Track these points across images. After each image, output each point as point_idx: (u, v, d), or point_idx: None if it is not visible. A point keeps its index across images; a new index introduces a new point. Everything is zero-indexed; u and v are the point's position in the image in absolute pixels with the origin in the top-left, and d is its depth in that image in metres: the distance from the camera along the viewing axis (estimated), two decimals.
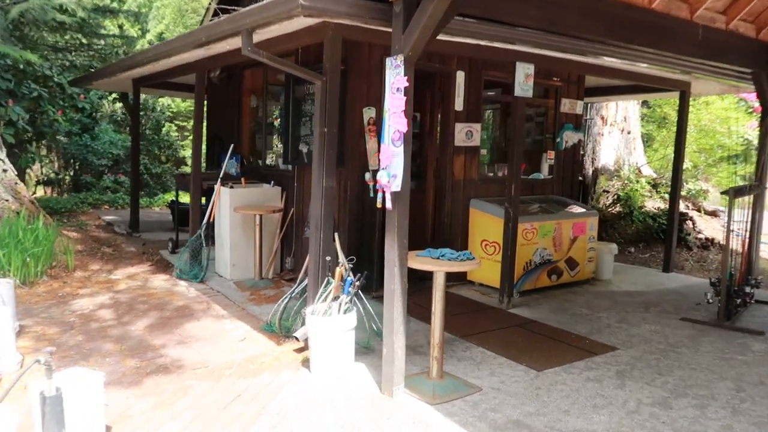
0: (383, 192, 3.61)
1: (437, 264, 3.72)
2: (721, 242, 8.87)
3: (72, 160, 14.91)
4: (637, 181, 9.79)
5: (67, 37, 13.94)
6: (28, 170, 15.14)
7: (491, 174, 7.27)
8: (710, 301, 5.59)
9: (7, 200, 7.48)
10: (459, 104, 6.54)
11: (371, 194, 5.82)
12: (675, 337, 5.10)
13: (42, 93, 10.19)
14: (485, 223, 6.44)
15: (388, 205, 3.59)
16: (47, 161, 16.05)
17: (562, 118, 7.60)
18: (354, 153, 5.83)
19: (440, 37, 4.69)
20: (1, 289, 4.42)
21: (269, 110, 7.62)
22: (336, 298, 4.01)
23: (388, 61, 3.59)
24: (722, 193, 5.62)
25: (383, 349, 3.74)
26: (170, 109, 18.53)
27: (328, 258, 4.19)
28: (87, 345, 4.61)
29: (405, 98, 3.51)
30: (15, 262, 6.13)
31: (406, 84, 3.50)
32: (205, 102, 9.61)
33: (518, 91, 5.67)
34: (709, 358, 4.64)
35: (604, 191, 10.01)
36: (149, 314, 5.41)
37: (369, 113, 5.84)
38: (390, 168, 3.56)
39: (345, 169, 5.78)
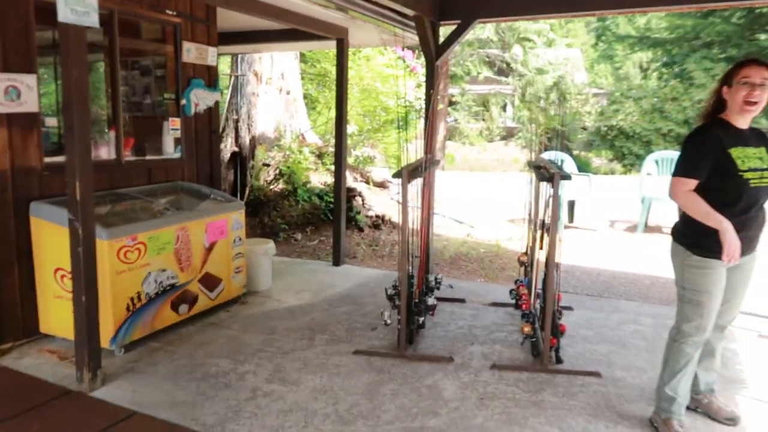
0: None
1: None
2: (393, 219, 7.93)
3: None
4: (300, 151, 8.22)
5: None
6: None
7: None
8: (389, 322, 4.18)
9: None
10: None
11: None
12: (349, 398, 3.45)
13: None
14: (60, 242, 3.82)
15: None
16: None
17: (188, 71, 5.33)
18: None
19: None
20: None
21: None
22: None
23: None
24: (394, 176, 4.18)
25: None
26: None
27: None
28: None
29: None
30: None
31: None
32: None
33: (65, 15, 3.15)
34: None
35: (264, 165, 8.19)
36: None
37: None
38: None
39: None
